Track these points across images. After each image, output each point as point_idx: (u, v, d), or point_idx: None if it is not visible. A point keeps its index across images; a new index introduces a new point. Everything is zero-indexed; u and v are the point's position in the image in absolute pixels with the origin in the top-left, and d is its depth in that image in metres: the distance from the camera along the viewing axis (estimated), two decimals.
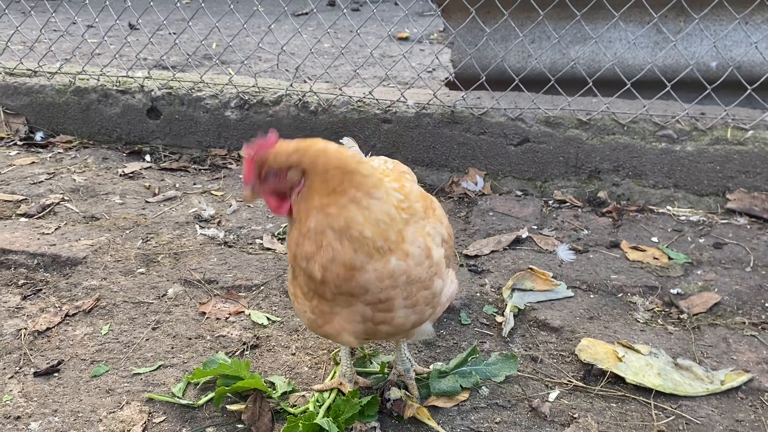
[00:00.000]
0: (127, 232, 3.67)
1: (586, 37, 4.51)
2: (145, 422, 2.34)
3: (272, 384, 2.45)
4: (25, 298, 3.10)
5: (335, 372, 2.50)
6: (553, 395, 2.47)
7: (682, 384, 2.48)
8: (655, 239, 3.62)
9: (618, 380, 2.52)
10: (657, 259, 3.37)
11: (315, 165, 1.80)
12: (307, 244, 1.80)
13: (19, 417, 2.37)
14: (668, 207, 4.01)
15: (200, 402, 2.41)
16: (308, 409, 2.29)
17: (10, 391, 2.51)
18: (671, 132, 4.03)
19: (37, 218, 3.81)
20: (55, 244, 3.47)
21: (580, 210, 3.99)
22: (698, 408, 2.40)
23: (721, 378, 2.51)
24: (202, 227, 3.73)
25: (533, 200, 4.07)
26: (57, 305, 3.03)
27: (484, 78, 4.19)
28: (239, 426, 2.31)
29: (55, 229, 3.66)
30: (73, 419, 2.36)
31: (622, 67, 4.33)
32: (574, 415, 2.36)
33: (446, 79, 4.80)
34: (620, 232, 3.69)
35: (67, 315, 2.97)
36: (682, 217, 3.88)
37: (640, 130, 4.07)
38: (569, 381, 2.54)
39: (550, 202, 4.10)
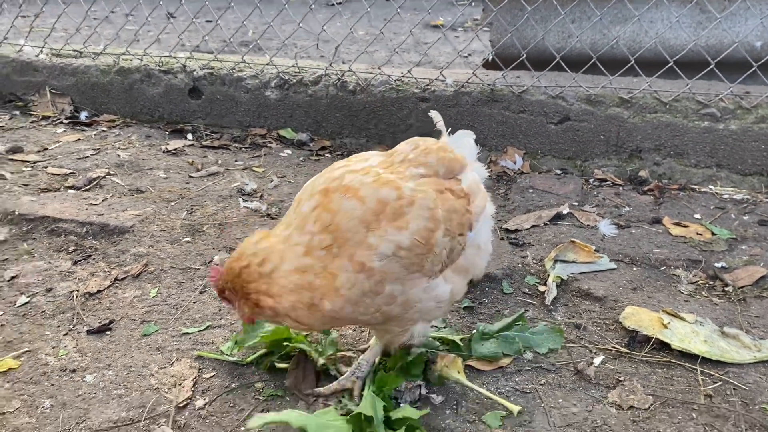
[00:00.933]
0: (172, 203, 3.75)
1: (627, 17, 4.48)
2: (195, 377, 2.40)
3: (318, 342, 2.48)
4: (75, 263, 3.18)
5: None
6: (597, 360, 2.47)
7: (729, 351, 2.46)
8: (697, 216, 3.58)
9: (663, 347, 2.51)
10: (700, 234, 3.34)
11: (228, 283, 2.04)
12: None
13: (74, 370, 2.45)
14: (710, 186, 3.96)
15: (248, 360, 2.46)
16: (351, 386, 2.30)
17: (65, 346, 2.59)
18: (714, 110, 3.98)
19: (84, 191, 3.91)
20: (102, 214, 3.56)
21: (621, 188, 3.96)
22: (745, 375, 2.38)
23: None
24: (245, 200, 3.80)
25: (573, 178, 4.05)
26: (106, 270, 3.12)
27: (524, 55, 4.18)
28: (286, 382, 2.35)
29: (102, 200, 3.76)
30: (125, 373, 2.43)
31: (664, 47, 4.29)
32: (620, 378, 2.36)
33: (484, 59, 4.80)
34: (662, 209, 3.66)
35: (116, 279, 3.05)
36: (725, 196, 3.83)
37: (682, 109, 4.03)
38: (613, 347, 2.54)
39: (591, 180, 4.08)
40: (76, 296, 2.91)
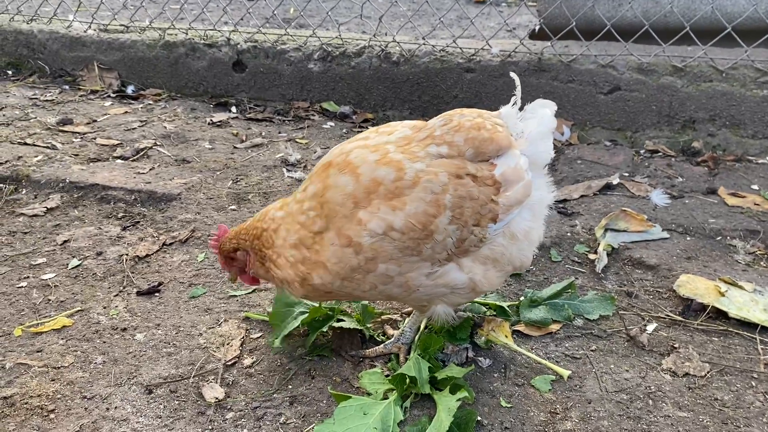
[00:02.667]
0: (218, 173, 3.77)
1: None
2: (243, 337, 2.41)
3: (364, 308, 2.45)
4: (124, 228, 3.23)
5: None
6: (650, 327, 2.40)
7: None
8: (755, 187, 3.45)
9: (719, 315, 2.43)
10: (758, 204, 3.22)
11: (245, 242, 2.15)
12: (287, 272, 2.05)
13: (125, 329, 2.49)
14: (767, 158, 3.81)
15: (296, 324, 2.44)
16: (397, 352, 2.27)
17: (116, 306, 2.63)
18: None
19: (132, 160, 3.97)
20: (150, 182, 3.61)
21: (673, 159, 3.84)
22: None
23: None
24: (288, 170, 3.80)
25: (623, 150, 3.95)
26: (154, 235, 3.16)
27: (573, 23, 4.07)
28: (332, 344, 2.34)
29: (150, 169, 3.81)
30: (175, 332, 2.46)
31: (721, 14, 4.11)
32: (675, 346, 2.29)
33: (531, 30, 4.70)
34: (717, 180, 3.54)
35: (164, 244, 3.08)
36: None
37: (740, 77, 3.88)
38: (667, 315, 2.47)
39: (641, 151, 3.96)
40: (126, 260, 2.95)
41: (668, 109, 4.00)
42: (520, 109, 2.17)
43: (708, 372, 2.18)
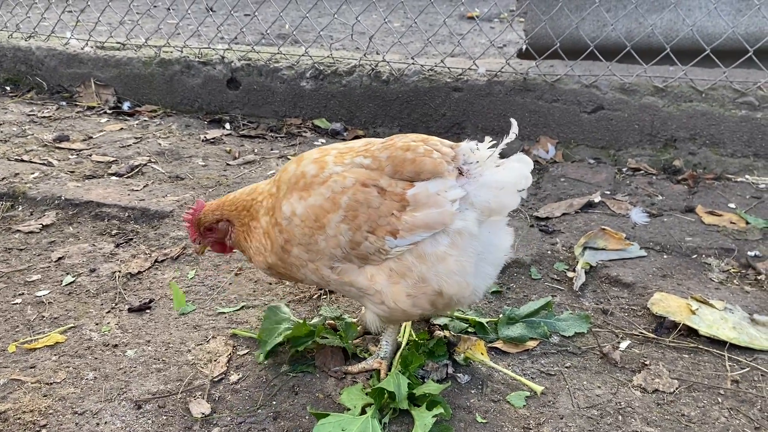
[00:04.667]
0: (210, 190, 3.87)
1: (663, 5, 4.42)
2: (230, 354, 2.50)
3: (348, 325, 2.53)
4: (117, 245, 3.32)
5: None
6: (624, 344, 2.49)
7: (758, 338, 2.45)
8: (732, 205, 3.55)
9: (690, 333, 2.51)
10: (734, 223, 3.31)
11: (233, 215, 2.38)
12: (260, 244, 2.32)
13: (116, 345, 2.57)
14: (747, 176, 3.91)
15: (279, 340, 2.52)
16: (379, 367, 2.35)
17: (108, 323, 2.71)
18: (752, 99, 3.92)
19: (126, 177, 4.06)
20: (143, 200, 3.70)
21: (654, 177, 3.94)
22: None
23: None
24: None
25: (606, 167, 4.05)
26: (147, 252, 3.24)
27: (558, 44, 4.18)
28: (316, 361, 2.42)
29: (144, 186, 3.90)
30: (164, 349, 2.54)
31: (701, 35, 4.22)
32: (646, 362, 2.37)
33: (518, 49, 4.80)
34: (696, 198, 3.64)
35: (156, 261, 3.17)
36: (762, 186, 3.78)
37: (719, 97, 3.98)
38: (640, 332, 2.56)
39: (624, 169, 4.06)
40: (119, 277, 3.04)
41: (650, 128, 4.10)
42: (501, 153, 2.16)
43: (677, 388, 2.26)
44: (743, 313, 2.58)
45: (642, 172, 4.01)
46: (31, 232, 3.46)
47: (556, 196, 3.70)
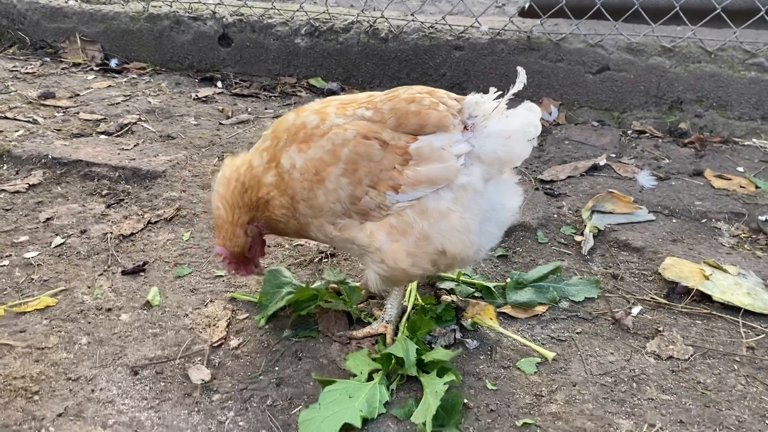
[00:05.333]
0: (203, 150, 3.73)
1: None
2: (229, 318, 2.41)
3: (351, 289, 2.44)
4: (109, 206, 3.19)
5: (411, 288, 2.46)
6: (635, 310, 2.42)
7: None
8: (740, 169, 3.47)
9: (703, 299, 2.45)
10: (743, 187, 3.24)
11: (250, 213, 2.18)
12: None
13: (110, 309, 2.47)
14: (754, 139, 3.83)
15: (281, 304, 2.43)
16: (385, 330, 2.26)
17: (100, 286, 2.60)
18: (763, 60, 3.81)
19: (116, 136, 3.91)
20: (134, 159, 3.56)
21: (660, 140, 3.85)
22: None
23: None
24: None
25: (611, 130, 3.94)
26: (139, 213, 3.12)
27: (563, 2, 4.03)
28: (319, 326, 2.34)
29: (134, 145, 3.75)
30: (160, 313, 2.45)
31: None
32: (659, 329, 2.31)
33: (520, 7, 4.65)
34: (703, 162, 3.56)
35: (149, 222, 3.05)
36: None
37: (728, 58, 3.87)
38: (652, 298, 2.49)
39: (629, 132, 3.96)
40: (110, 238, 2.92)
41: (656, 89, 3.99)
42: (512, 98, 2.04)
43: (691, 355, 2.20)
44: (757, 278, 2.52)
45: (647, 134, 3.92)
46: (17, 192, 3.32)
47: (560, 159, 3.60)
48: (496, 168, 2.03)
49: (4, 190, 3.33)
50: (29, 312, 2.45)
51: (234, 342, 2.29)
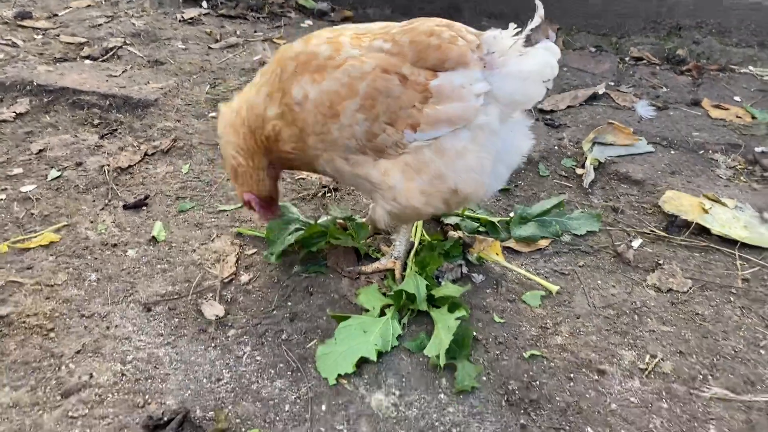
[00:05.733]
0: (194, 77, 3.63)
1: None
2: (237, 253, 2.42)
3: (359, 225, 2.45)
4: (102, 137, 3.12)
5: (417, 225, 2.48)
6: (636, 243, 2.48)
7: None
8: (737, 98, 3.48)
9: (702, 231, 2.51)
10: (740, 117, 3.26)
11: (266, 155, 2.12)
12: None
13: (116, 245, 2.46)
14: (750, 67, 3.82)
15: (291, 241, 2.41)
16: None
17: (103, 221, 2.58)
18: None
19: (101, 61, 3.77)
20: (124, 87, 3.45)
21: (657, 68, 3.82)
22: None
23: None
24: None
25: (609, 56, 3.90)
26: (135, 144, 3.06)
27: None
28: (328, 261, 2.36)
29: (122, 72, 3.63)
30: (167, 248, 2.45)
31: None
32: (659, 262, 2.38)
33: None
34: (701, 91, 3.55)
35: (146, 154, 3.00)
36: (766, 78, 3.70)
37: None
38: (652, 231, 2.54)
39: (626, 59, 3.93)
40: (108, 171, 2.88)
41: (655, 14, 3.93)
42: (527, 38, 1.99)
43: (690, 288, 2.28)
44: (753, 211, 2.59)
45: (645, 61, 3.89)
46: (4, 121, 3.22)
47: (560, 87, 3.58)
48: (511, 109, 2.02)
49: None
50: (33, 248, 2.44)
51: (245, 278, 2.31)
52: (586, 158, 2.90)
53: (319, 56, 1.97)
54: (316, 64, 1.97)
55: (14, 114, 3.26)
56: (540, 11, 2.01)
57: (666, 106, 3.39)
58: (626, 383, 1.94)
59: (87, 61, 3.75)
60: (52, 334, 2.07)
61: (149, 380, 1.93)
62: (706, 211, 2.52)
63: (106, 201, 2.70)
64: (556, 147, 3.04)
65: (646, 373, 1.96)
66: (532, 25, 1.99)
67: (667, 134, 3.14)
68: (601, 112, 3.33)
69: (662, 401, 1.88)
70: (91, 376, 1.93)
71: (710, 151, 3.03)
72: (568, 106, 3.37)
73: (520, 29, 2.01)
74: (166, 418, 1.79)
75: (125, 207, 2.67)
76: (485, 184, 2.04)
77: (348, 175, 2.08)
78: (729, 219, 2.51)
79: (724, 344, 2.07)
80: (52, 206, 2.66)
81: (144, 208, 2.67)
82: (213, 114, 3.30)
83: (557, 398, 1.89)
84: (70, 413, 1.82)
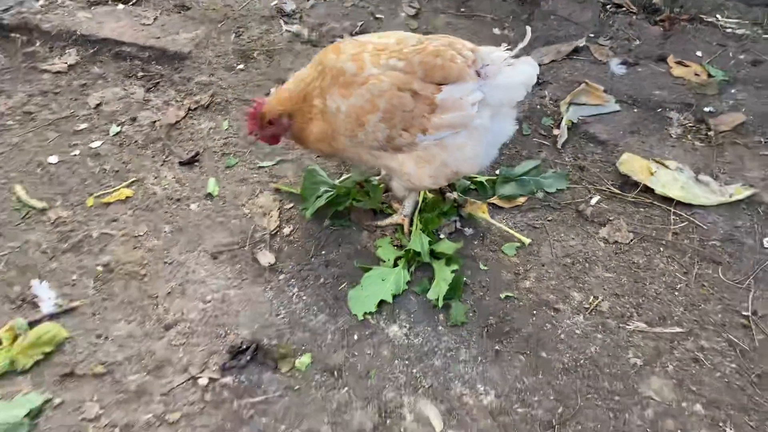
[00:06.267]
0: (220, 25, 4.04)
1: None
2: (279, 208, 3.04)
3: (374, 187, 3.05)
4: (148, 90, 3.62)
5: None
6: (594, 200, 3.12)
7: (699, 196, 3.10)
8: (699, 53, 3.96)
9: (648, 190, 3.14)
10: (698, 75, 3.78)
11: (296, 108, 2.63)
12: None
13: (179, 199, 3.07)
14: (717, 16, 4.26)
15: (322, 202, 2.96)
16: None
17: (165, 176, 3.17)
18: None
19: (131, 5, 4.14)
20: (159, 38, 3.88)
21: (634, 17, 4.25)
22: (707, 215, 3.06)
23: (730, 192, 3.12)
24: (286, 22, 4.08)
25: (592, 5, 4.30)
26: (178, 99, 3.57)
27: None
28: (352, 216, 2.99)
29: (154, 19, 4.03)
30: (222, 203, 3.06)
31: None
32: (610, 218, 3.03)
33: None
34: (668, 45, 4.02)
35: (189, 109, 3.52)
36: (728, 30, 4.16)
37: None
38: (608, 188, 3.17)
39: (608, 6, 4.33)
40: (160, 127, 3.41)
41: None
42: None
43: (631, 240, 2.96)
44: (691, 172, 3.20)
45: (624, 9, 4.30)
46: (59, 73, 3.69)
47: (545, 38, 4.03)
48: (499, 109, 2.58)
49: (46, 71, 3.69)
50: (113, 202, 3.04)
51: (287, 230, 2.96)
52: (562, 119, 3.46)
53: (346, 73, 2.51)
54: (344, 80, 2.52)
55: (66, 65, 3.72)
56: (528, 36, 2.53)
57: (636, 62, 3.89)
58: (573, 318, 2.66)
59: (119, 6, 4.12)
60: (146, 279, 2.74)
61: (225, 316, 2.63)
62: (652, 174, 3.14)
63: (164, 157, 3.27)
64: (538, 106, 3.58)
65: (589, 311, 2.68)
66: (521, 45, 2.52)
67: (633, 92, 3.67)
68: (579, 68, 3.83)
69: (598, 333, 2.61)
70: (182, 313, 2.63)
71: (667, 109, 3.59)
72: (552, 61, 3.86)
73: (510, 47, 2.54)
74: (244, 346, 2.51)
75: (181, 163, 3.24)
76: (479, 164, 2.69)
77: (371, 163, 2.70)
78: (669, 180, 3.13)
79: (649, 287, 2.77)
80: (120, 162, 3.23)
81: (196, 164, 3.25)
82: (240, 66, 3.77)
83: (523, 330, 2.61)
84: (172, 342, 2.53)
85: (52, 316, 2.58)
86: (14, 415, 2.25)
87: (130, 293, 2.69)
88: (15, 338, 2.47)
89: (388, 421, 2.33)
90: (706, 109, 3.58)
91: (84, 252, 2.82)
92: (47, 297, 2.63)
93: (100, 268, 2.76)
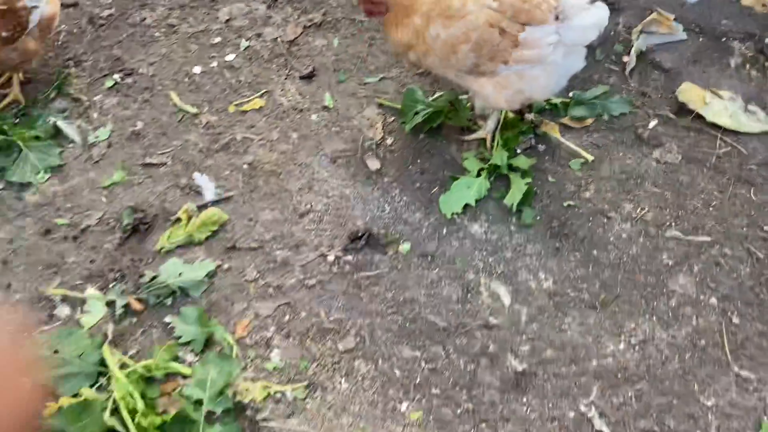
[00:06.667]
0: None
1: None
2: (382, 121, 3.68)
3: (462, 106, 3.63)
4: (269, 6, 4.20)
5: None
6: (652, 123, 3.63)
7: (746, 125, 3.57)
8: None
9: (701, 117, 3.62)
10: (765, 5, 4.07)
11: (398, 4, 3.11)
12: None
13: (302, 110, 3.74)
14: None
15: (420, 120, 3.56)
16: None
17: (289, 89, 3.83)
18: None
19: None
20: None
21: None
22: (750, 142, 3.54)
23: None
24: None
25: None
26: (295, 17, 4.14)
27: None
28: (441, 131, 3.62)
29: None
30: (336, 115, 3.72)
31: None
32: (663, 141, 3.56)
33: None
34: None
35: (305, 27, 4.10)
36: None
37: None
38: (665, 114, 3.67)
39: None
40: (282, 43, 4.02)
41: None
42: None
43: (679, 161, 3.50)
44: (741, 102, 3.64)
45: None
46: None
47: None
48: (572, 48, 3.10)
49: None
50: (249, 111, 3.74)
51: (389, 141, 3.61)
52: (632, 47, 3.89)
53: (452, 8, 3.03)
54: (449, 12, 3.04)
55: None
56: None
57: None
58: (622, 225, 3.29)
59: None
60: (282, 176, 3.48)
61: (344, 209, 3.37)
62: (705, 104, 3.60)
63: (287, 72, 3.91)
64: (612, 32, 4.00)
65: (636, 219, 3.31)
66: None
67: (701, 21, 4.02)
68: None
69: (641, 237, 3.25)
70: (311, 205, 3.38)
71: (731, 39, 3.95)
72: None
73: None
74: (360, 233, 3.26)
75: (301, 77, 3.87)
76: (550, 93, 3.31)
77: (455, 81, 3.29)
78: (720, 109, 3.59)
79: (689, 203, 3.35)
80: (251, 74, 3.90)
81: (314, 78, 3.88)
82: None
83: (579, 232, 3.27)
84: (306, 227, 3.31)
85: (213, 203, 3.38)
86: (198, 275, 3.11)
87: (271, 187, 3.45)
88: (189, 218, 3.29)
89: (469, 296, 3.09)
90: (767, 40, 3.93)
91: (231, 152, 3.57)
92: (208, 187, 3.42)
93: (245, 166, 3.51)
